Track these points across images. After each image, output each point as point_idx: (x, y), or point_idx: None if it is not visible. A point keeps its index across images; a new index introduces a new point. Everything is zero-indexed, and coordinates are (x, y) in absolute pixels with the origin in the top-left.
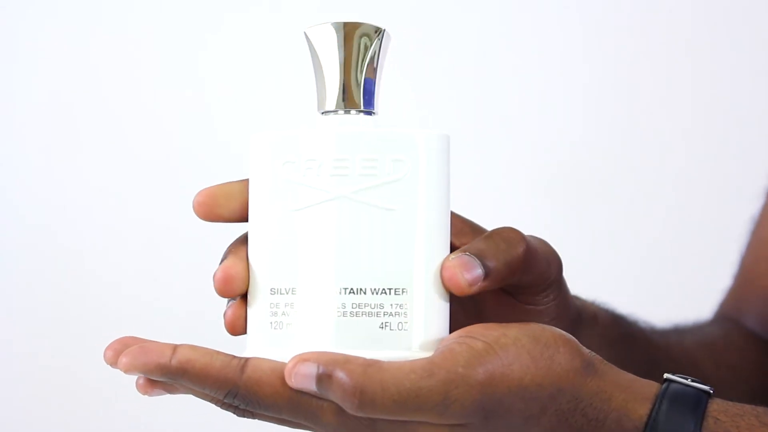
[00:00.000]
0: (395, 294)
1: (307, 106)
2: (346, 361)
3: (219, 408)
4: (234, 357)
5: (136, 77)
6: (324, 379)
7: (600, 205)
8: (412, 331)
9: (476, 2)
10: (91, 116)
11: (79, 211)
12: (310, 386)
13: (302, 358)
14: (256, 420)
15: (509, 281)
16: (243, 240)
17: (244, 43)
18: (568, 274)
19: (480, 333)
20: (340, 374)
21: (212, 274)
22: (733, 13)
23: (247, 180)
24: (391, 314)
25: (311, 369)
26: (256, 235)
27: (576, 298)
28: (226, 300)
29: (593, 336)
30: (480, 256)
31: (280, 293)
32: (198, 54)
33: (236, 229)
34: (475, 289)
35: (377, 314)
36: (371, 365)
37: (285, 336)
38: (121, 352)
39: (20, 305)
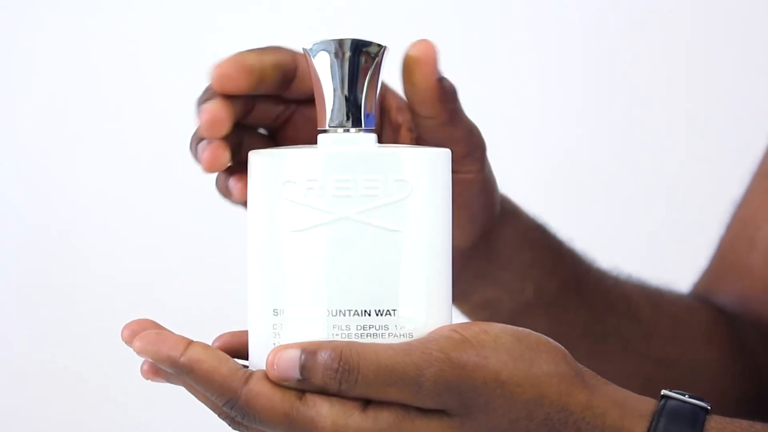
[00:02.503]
0: (401, 315)
1: None
2: (327, 341)
3: (216, 415)
4: (242, 368)
5: (136, 75)
6: (308, 359)
7: (598, 205)
8: None
9: (475, 2)
10: (91, 114)
11: (79, 210)
12: (294, 373)
13: (284, 346)
14: None
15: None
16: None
17: (244, 41)
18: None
19: (461, 328)
20: (324, 351)
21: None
22: (732, 13)
23: (267, 49)
24: (396, 336)
25: (293, 353)
26: (255, 256)
27: (502, 194)
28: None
29: (514, 232)
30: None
31: (283, 314)
32: (199, 53)
33: (237, 228)
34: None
35: (382, 335)
36: (351, 342)
37: None
38: (137, 333)
39: (21, 304)
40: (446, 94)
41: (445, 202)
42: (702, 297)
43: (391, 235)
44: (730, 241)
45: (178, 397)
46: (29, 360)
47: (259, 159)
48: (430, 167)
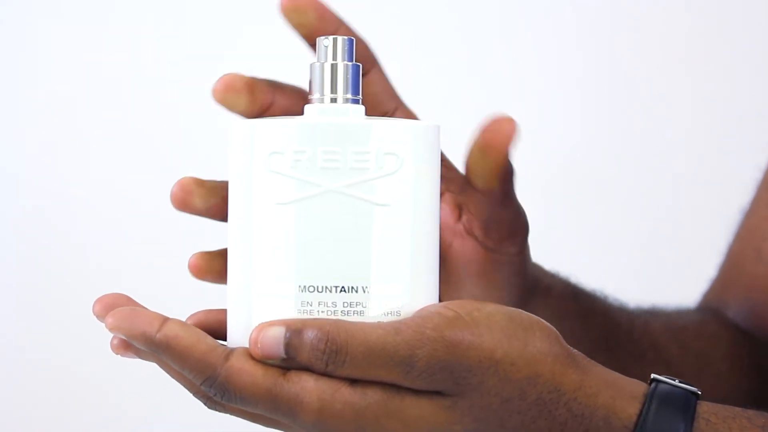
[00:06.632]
0: (388, 290)
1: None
2: (313, 320)
3: (191, 395)
4: (221, 345)
5: (139, 72)
6: (294, 338)
7: (598, 206)
8: None
9: (475, 2)
10: (94, 110)
11: (81, 207)
12: (278, 351)
13: (268, 323)
14: (228, 414)
15: (493, 191)
16: None
17: (244, 38)
18: (565, 272)
19: (455, 305)
20: (310, 330)
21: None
22: (731, 13)
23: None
24: (382, 312)
25: (278, 331)
26: (237, 230)
27: (536, 267)
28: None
29: (544, 308)
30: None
31: (266, 290)
32: (201, 51)
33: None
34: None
35: (368, 311)
36: (339, 321)
37: None
38: (111, 308)
39: (21, 301)
40: (507, 174)
41: (434, 177)
42: (713, 309)
43: (379, 209)
44: (738, 251)
45: (181, 397)
46: (28, 360)
47: (242, 129)
48: (420, 141)
